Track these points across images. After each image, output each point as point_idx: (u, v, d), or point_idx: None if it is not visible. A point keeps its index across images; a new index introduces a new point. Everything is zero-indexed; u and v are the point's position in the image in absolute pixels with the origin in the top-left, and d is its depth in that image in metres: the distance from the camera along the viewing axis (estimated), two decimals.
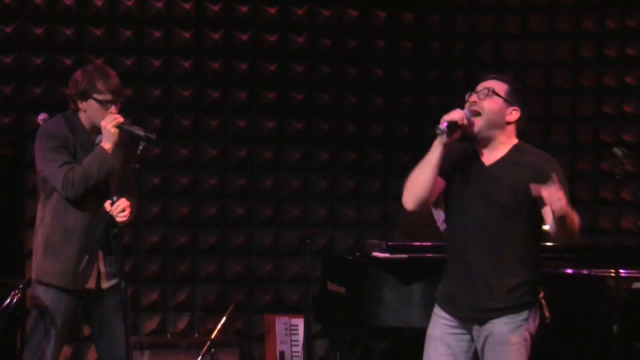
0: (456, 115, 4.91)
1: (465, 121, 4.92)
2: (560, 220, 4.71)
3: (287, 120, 8.43)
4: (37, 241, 6.11)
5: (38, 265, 6.09)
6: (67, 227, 5.98)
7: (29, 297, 6.21)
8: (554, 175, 4.67)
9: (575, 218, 4.79)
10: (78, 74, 6.06)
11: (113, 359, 6.05)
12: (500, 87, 5.01)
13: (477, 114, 4.97)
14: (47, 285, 6.01)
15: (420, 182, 4.99)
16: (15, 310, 6.56)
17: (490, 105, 4.97)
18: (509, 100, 4.99)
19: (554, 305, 5.14)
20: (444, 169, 4.99)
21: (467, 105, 5.00)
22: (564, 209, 4.62)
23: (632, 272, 6.45)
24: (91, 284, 5.95)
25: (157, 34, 8.17)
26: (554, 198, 4.62)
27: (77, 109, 6.02)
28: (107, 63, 7.26)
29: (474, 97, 5.00)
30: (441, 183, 5.03)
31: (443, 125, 4.86)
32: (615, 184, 7.84)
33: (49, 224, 6.04)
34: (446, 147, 4.90)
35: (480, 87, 5.03)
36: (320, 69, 8.50)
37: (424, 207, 5.12)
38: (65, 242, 5.98)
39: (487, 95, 4.97)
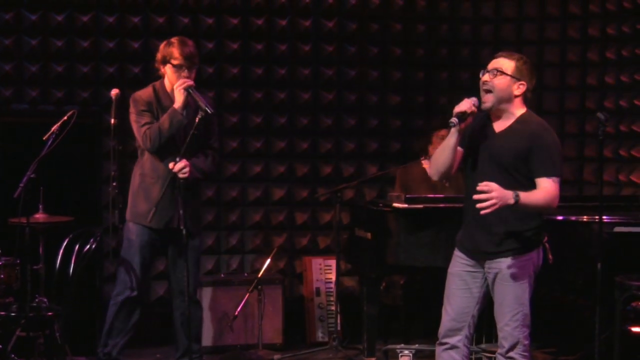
0: (464, 106, 4.94)
1: (473, 108, 4.94)
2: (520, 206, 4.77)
3: (321, 93, 8.37)
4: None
5: (128, 206, 6.21)
6: (144, 173, 6.08)
7: (106, 243, 6.24)
8: (489, 186, 4.67)
9: (533, 202, 4.81)
10: (163, 44, 6.15)
11: (178, 291, 6.15)
12: (508, 65, 4.96)
13: (489, 91, 4.94)
14: (134, 222, 6.13)
15: (441, 161, 5.05)
16: (95, 254, 6.57)
17: (500, 84, 4.94)
18: (516, 77, 4.95)
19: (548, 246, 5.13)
20: (463, 140, 5.04)
21: (480, 82, 4.97)
22: (488, 211, 4.68)
23: (613, 218, 6.41)
24: (163, 224, 6.03)
25: (235, 21, 8.12)
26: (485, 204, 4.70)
27: (162, 75, 6.11)
28: None
29: (485, 77, 4.97)
30: (461, 152, 5.05)
31: (454, 119, 4.88)
32: (597, 143, 7.73)
33: (136, 174, 6.16)
34: (461, 131, 4.92)
35: (490, 66, 5.00)
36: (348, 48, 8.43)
37: (447, 177, 5.23)
38: (141, 187, 6.10)
39: (496, 75, 4.93)
